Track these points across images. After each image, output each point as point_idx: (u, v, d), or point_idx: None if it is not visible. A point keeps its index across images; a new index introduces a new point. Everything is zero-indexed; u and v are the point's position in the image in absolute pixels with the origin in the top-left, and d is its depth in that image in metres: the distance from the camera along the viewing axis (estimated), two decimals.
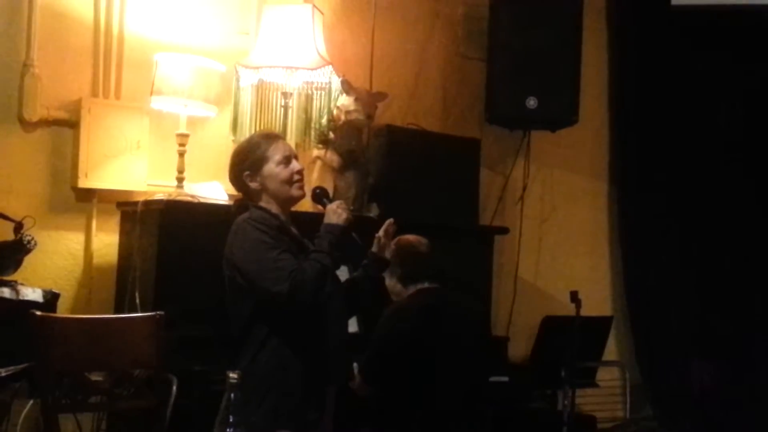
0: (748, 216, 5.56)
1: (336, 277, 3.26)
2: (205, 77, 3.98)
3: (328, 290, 3.10)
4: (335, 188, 4.37)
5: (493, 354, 4.45)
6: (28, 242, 3.53)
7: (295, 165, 3.22)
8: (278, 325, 3.08)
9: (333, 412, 3.22)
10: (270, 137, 3.29)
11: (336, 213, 3.16)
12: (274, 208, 3.21)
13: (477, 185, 4.93)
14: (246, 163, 3.22)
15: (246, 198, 3.26)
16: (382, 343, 3.57)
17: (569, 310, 4.13)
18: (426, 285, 3.70)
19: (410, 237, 3.77)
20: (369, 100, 4.38)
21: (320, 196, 3.31)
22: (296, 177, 3.21)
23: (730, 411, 5.25)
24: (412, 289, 3.70)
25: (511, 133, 5.36)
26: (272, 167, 3.19)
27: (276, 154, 3.20)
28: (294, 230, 3.25)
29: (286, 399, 3.06)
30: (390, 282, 3.74)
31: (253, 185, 3.21)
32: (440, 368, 3.51)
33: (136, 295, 3.81)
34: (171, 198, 3.88)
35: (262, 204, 3.21)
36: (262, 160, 3.20)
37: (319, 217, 3.24)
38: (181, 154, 4.00)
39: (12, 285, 3.43)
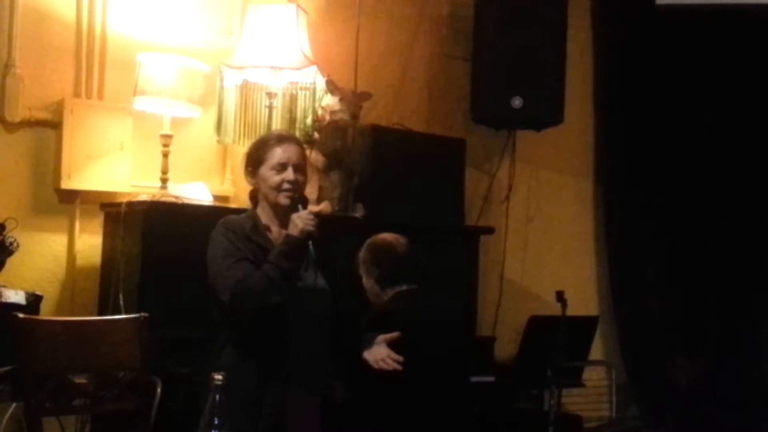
0: (734, 215, 5.58)
1: (315, 287, 3.18)
2: (188, 77, 3.96)
3: (276, 301, 3.04)
4: (320, 189, 4.36)
5: (479, 354, 4.45)
6: (11, 244, 3.51)
7: (288, 174, 3.20)
8: (236, 330, 3.10)
9: (316, 421, 3.16)
10: (281, 139, 3.28)
11: (293, 223, 3.11)
12: (264, 212, 3.25)
13: (462, 185, 4.93)
14: (250, 159, 3.27)
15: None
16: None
17: (555, 309, 4.13)
18: (404, 287, 3.61)
19: (387, 236, 3.71)
20: (354, 100, 4.37)
21: (295, 202, 3.21)
22: (285, 185, 3.19)
23: (715, 410, 5.26)
24: (390, 293, 3.62)
25: (496, 132, 5.36)
26: (266, 170, 3.21)
27: (273, 158, 3.20)
28: (276, 235, 3.21)
29: (236, 404, 2.99)
30: (368, 283, 3.68)
31: (251, 182, 3.28)
32: (420, 373, 3.46)
33: (120, 296, 3.80)
34: (155, 199, 3.87)
35: (260, 205, 3.27)
36: (261, 160, 3.23)
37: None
38: (165, 155, 3.99)
39: None
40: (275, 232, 3.24)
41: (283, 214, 3.22)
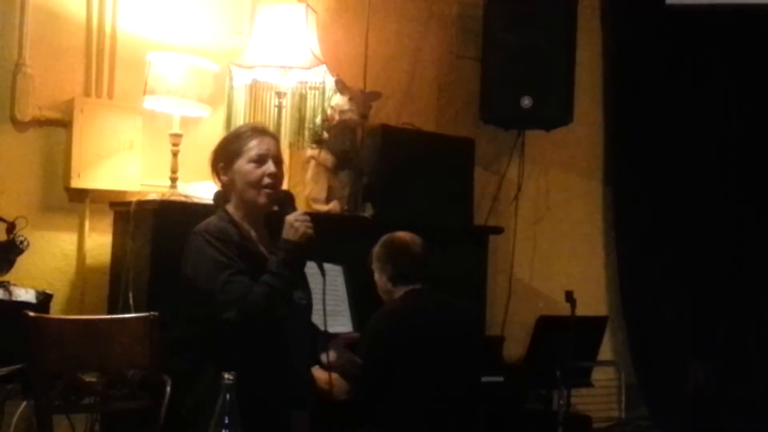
0: (743, 216, 5.57)
1: (303, 297, 3.03)
2: (198, 77, 3.96)
3: (281, 313, 2.87)
4: (329, 188, 4.36)
5: (488, 354, 4.44)
6: (21, 242, 3.52)
7: (269, 167, 2.98)
8: (235, 346, 2.86)
9: None
10: (256, 131, 3.07)
11: (293, 228, 2.89)
12: (237, 211, 3.02)
13: (471, 185, 4.92)
14: (223, 153, 3.05)
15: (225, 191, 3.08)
16: (369, 345, 3.52)
17: (564, 309, 4.13)
18: (417, 286, 3.63)
19: (404, 235, 3.71)
20: (363, 99, 4.37)
21: (282, 201, 3.00)
22: (266, 180, 2.97)
23: (724, 411, 5.25)
24: (402, 290, 3.63)
25: (505, 132, 5.35)
26: (243, 164, 2.97)
27: (252, 150, 2.98)
28: (255, 238, 3.02)
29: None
30: (380, 280, 3.69)
31: (224, 179, 3.04)
32: (430, 372, 3.46)
33: (130, 295, 3.80)
34: (164, 198, 3.87)
35: (229, 206, 3.04)
36: (237, 153, 2.99)
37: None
38: (175, 154, 3.98)
39: (5, 285, 3.42)
40: (253, 235, 3.03)
41: (258, 214, 3.03)
